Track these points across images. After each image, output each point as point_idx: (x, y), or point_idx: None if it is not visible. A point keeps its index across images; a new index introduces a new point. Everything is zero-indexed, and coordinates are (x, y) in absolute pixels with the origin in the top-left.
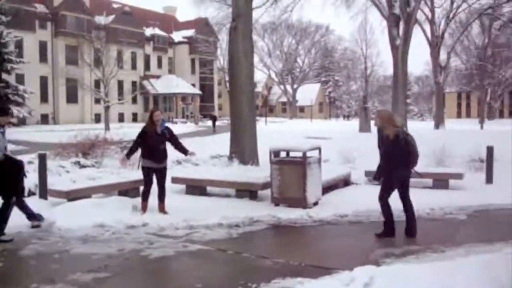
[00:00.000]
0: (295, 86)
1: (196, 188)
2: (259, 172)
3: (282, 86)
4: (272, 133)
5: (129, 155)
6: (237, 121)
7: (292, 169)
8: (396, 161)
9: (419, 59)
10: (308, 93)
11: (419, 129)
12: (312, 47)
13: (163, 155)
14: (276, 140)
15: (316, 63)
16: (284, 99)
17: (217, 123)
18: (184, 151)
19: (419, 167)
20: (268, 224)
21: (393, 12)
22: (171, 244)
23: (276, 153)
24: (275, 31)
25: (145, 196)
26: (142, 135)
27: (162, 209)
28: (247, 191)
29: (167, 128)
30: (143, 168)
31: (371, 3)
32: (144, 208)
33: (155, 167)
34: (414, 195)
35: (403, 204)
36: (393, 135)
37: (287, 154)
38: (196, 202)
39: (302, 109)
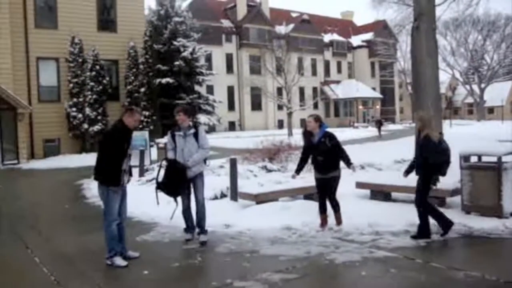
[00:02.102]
0: (482, 85)
1: (380, 193)
2: (447, 178)
3: (467, 86)
4: (458, 136)
5: (298, 171)
6: None
7: (485, 175)
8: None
9: None
10: (497, 93)
11: None
12: (502, 42)
13: (326, 166)
14: (463, 144)
15: (506, 59)
16: (470, 100)
17: (392, 127)
18: (347, 163)
19: None
20: (459, 234)
21: None
22: (356, 249)
23: (466, 157)
24: (458, 28)
25: (320, 208)
26: (305, 147)
27: (336, 219)
28: (435, 198)
29: (329, 136)
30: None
31: None
32: (322, 221)
33: (320, 178)
34: None
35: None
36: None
37: (479, 158)
38: (380, 208)
39: (491, 110)
